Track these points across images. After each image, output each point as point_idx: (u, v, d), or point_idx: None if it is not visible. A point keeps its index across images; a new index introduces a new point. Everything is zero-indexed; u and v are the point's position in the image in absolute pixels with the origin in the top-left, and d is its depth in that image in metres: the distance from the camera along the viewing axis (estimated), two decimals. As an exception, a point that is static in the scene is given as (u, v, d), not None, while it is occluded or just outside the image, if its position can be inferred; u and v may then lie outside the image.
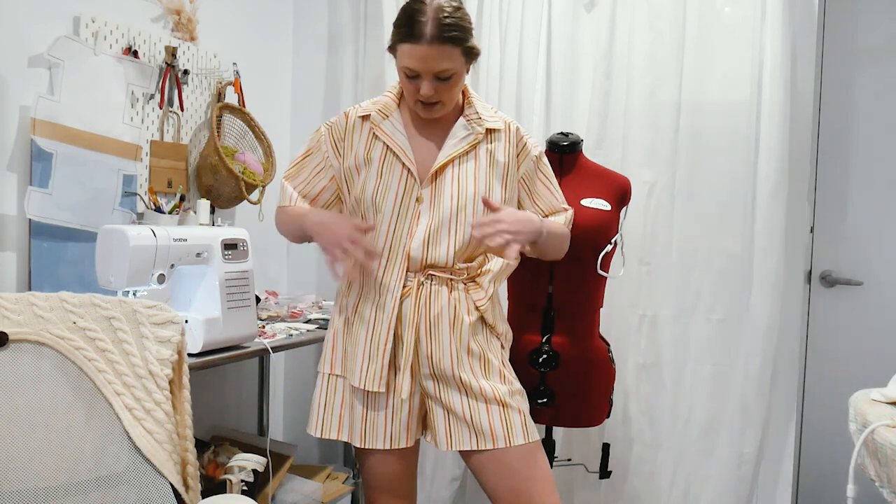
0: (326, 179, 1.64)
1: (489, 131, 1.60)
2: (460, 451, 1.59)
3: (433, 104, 1.52)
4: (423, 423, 1.65)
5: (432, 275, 1.55)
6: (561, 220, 1.68)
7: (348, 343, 1.61)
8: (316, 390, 1.65)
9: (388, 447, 1.58)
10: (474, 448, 1.55)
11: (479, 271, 1.60)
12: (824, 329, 2.59)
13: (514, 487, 1.53)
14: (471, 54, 1.51)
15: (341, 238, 1.45)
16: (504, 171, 1.60)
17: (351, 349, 1.59)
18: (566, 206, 1.72)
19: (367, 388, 1.54)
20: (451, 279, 1.56)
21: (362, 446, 1.58)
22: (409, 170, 1.54)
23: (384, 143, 1.56)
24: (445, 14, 1.43)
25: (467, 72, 1.54)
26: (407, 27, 1.44)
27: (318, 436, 1.61)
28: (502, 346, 1.66)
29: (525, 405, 1.60)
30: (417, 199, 1.54)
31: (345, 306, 1.63)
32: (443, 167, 1.56)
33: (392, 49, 1.52)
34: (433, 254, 1.54)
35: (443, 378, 1.55)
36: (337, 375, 1.62)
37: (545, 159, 1.71)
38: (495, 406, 1.54)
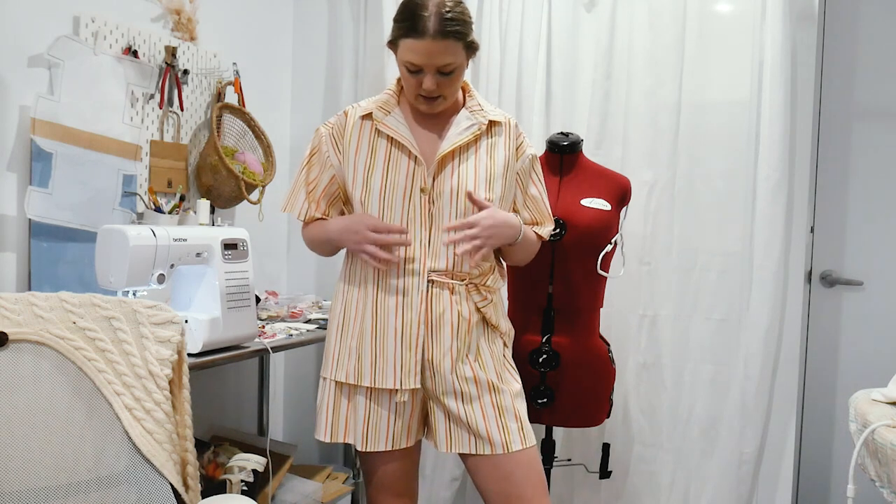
0: (329, 177, 1.63)
1: (492, 124, 1.60)
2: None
3: (435, 98, 1.53)
4: (425, 422, 1.65)
5: (433, 280, 1.54)
6: (539, 231, 1.69)
7: (363, 347, 1.57)
8: (322, 395, 1.63)
9: (389, 448, 1.58)
10: (472, 452, 1.55)
11: (481, 279, 1.59)
12: (824, 329, 2.59)
13: (505, 490, 1.54)
14: (471, 48, 1.52)
15: (361, 241, 1.49)
16: (504, 165, 1.60)
17: (369, 352, 1.56)
18: (550, 216, 1.72)
19: (403, 387, 1.54)
20: (453, 283, 1.55)
21: (364, 449, 1.58)
22: (415, 157, 1.54)
23: (389, 136, 1.56)
24: (447, 9, 1.44)
25: (467, 66, 1.55)
26: (409, 22, 1.45)
27: (328, 440, 1.61)
28: (505, 345, 1.66)
29: (523, 408, 1.60)
30: (422, 190, 1.54)
31: (354, 310, 1.59)
32: (444, 159, 1.55)
33: (392, 44, 1.52)
34: (436, 252, 1.54)
35: (442, 380, 1.55)
36: (342, 382, 1.59)
37: (538, 162, 1.71)
38: (492, 411, 1.54)
